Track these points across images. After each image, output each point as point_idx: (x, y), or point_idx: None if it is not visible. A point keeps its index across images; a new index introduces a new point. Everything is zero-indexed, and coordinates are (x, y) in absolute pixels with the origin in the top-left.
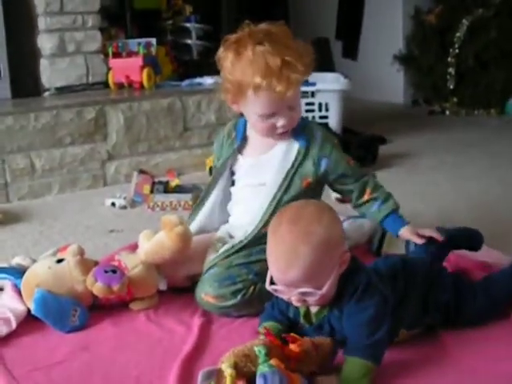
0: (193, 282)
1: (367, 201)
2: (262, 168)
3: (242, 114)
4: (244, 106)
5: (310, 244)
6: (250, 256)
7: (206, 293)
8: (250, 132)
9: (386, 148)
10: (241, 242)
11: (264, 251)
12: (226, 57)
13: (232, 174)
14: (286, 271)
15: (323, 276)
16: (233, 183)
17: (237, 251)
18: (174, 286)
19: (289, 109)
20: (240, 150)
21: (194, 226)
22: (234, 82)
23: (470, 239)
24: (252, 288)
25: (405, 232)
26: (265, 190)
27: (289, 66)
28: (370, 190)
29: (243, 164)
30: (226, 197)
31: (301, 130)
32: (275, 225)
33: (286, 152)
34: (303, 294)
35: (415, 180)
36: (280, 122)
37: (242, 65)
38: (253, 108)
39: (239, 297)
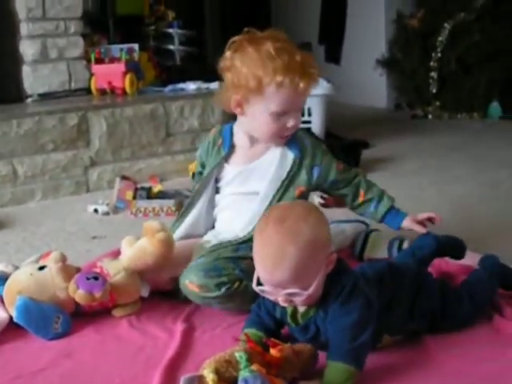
0: (175, 285)
1: (362, 202)
2: (250, 176)
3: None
4: (255, 105)
5: (296, 244)
6: (237, 251)
7: (190, 280)
8: (237, 140)
9: (369, 152)
10: (229, 241)
11: (251, 249)
12: (236, 56)
13: (216, 181)
14: (272, 272)
15: (310, 276)
16: (217, 190)
17: (225, 246)
18: (157, 289)
19: (298, 109)
20: (227, 158)
21: (179, 233)
22: (254, 77)
23: (455, 247)
24: (237, 283)
25: (406, 224)
26: (258, 198)
27: (308, 62)
28: (364, 191)
29: (230, 172)
30: (211, 204)
31: (292, 139)
32: (262, 225)
33: (280, 161)
34: (290, 294)
35: (398, 184)
36: (291, 123)
37: (262, 61)
38: (268, 106)
39: (223, 290)
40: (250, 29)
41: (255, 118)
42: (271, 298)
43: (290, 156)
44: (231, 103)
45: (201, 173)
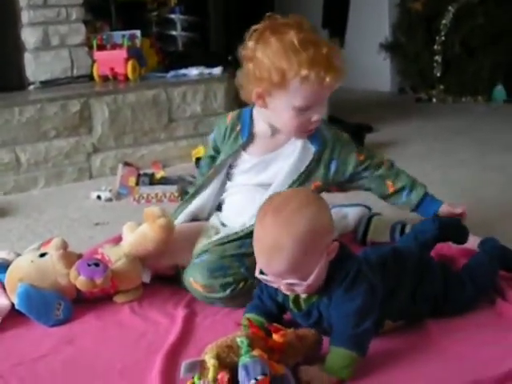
0: (177, 270)
1: (393, 193)
2: (267, 166)
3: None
4: (278, 99)
5: (293, 236)
6: (241, 247)
7: (195, 279)
8: (257, 128)
9: (373, 136)
10: (236, 233)
11: None
12: (259, 47)
13: (230, 167)
14: (269, 263)
15: (308, 267)
16: (229, 177)
17: (230, 241)
18: (158, 274)
19: (323, 104)
20: (244, 146)
21: (183, 216)
22: (277, 71)
23: (457, 232)
24: (242, 283)
25: (442, 211)
26: (271, 189)
27: (334, 54)
28: (392, 181)
29: (247, 161)
30: (221, 189)
31: (317, 133)
32: (261, 215)
33: (301, 153)
34: (290, 284)
35: (402, 168)
36: (315, 117)
37: (285, 53)
38: (291, 100)
39: (228, 291)
40: (271, 14)
41: (278, 112)
42: (274, 285)
43: (312, 149)
44: (252, 95)
45: (212, 157)
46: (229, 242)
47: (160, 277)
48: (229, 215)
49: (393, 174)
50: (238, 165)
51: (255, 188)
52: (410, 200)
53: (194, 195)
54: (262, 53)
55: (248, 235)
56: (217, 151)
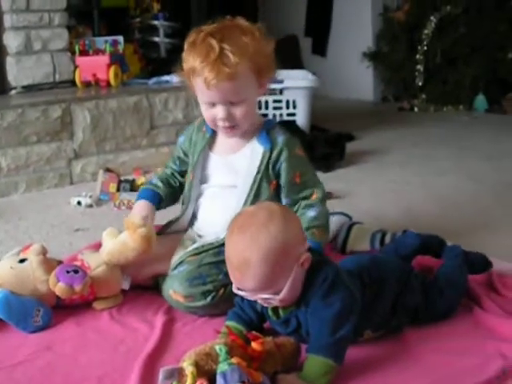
0: (156, 280)
1: None
2: (231, 168)
3: None
4: (196, 92)
5: (259, 254)
6: (219, 254)
7: (175, 291)
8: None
9: (355, 145)
10: (211, 243)
11: None
12: (185, 45)
13: (202, 168)
14: (240, 281)
15: (279, 282)
16: (202, 179)
17: (206, 250)
18: (137, 284)
19: (230, 103)
20: (210, 145)
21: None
22: (185, 67)
23: (436, 246)
24: (222, 290)
25: None
26: (236, 193)
27: (224, 57)
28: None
29: (213, 161)
30: (199, 193)
31: (266, 134)
32: (228, 233)
33: (251, 156)
34: (265, 298)
35: (384, 176)
36: (219, 115)
37: (190, 51)
38: (197, 94)
39: (209, 299)
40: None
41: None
42: (251, 299)
43: (260, 150)
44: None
45: (182, 161)
46: (204, 251)
47: (140, 286)
48: (203, 226)
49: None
50: (208, 166)
51: (222, 191)
52: None
53: (185, 210)
54: (185, 51)
55: (223, 244)
56: (185, 154)
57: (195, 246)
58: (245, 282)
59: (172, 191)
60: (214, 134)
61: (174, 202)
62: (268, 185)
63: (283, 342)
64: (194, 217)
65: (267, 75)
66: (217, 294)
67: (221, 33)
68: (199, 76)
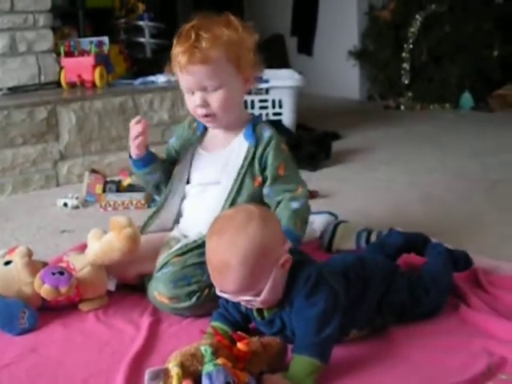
0: (141, 279)
1: None
2: (217, 164)
3: None
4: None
5: (237, 257)
6: (203, 255)
7: (159, 293)
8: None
9: (341, 143)
10: (195, 241)
11: None
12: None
13: (190, 167)
14: (221, 284)
15: (260, 284)
16: (188, 179)
17: (190, 249)
18: (123, 283)
19: (204, 89)
20: (200, 141)
21: (155, 225)
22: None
23: (421, 245)
24: (207, 290)
25: None
26: (218, 189)
27: (198, 42)
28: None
29: (201, 157)
30: (183, 193)
31: (252, 129)
32: (208, 236)
33: (236, 150)
34: (245, 300)
35: (370, 175)
36: (196, 102)
37: (175, 44)
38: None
39: (194, 299)
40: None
41: None
42: (233, 301)
43: (245, 145)
44: None
45: (171, 155)
46: (188, 251)
47: (124, 285)
48: (187, 225)
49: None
50: (195, 163)
51: (207, 188)
52: None
53: (164, 202)
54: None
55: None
56: (176, 152)
57: (179, 245)
58: (225, 285)
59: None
60: (204, 131)
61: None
62: (252, 181)
63: (269, 341)
64: (178, 216)
65: (249, 69)
66: (202, 294)
67: (202, 24)
68: (175, 61)
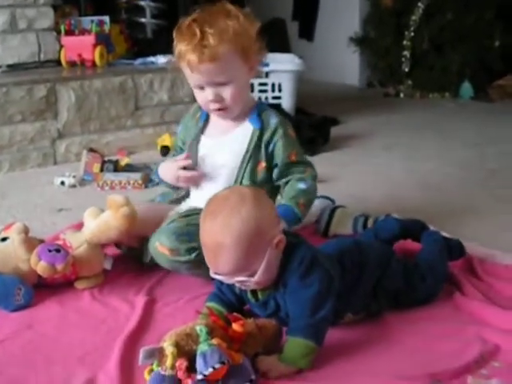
0: (141, 243)
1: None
2: (221, 149)
3: None
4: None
5: (231, 238)
6: None
7: (161, 243)
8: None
9: (340, 129)
10: (201, 209)
11: None
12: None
13: (197, 152)
14: (216, 265)
15: (254, 264)
16: (196, 163)
17: (197, 213)
18: (124, 245)
19: (217, 84)
20: (203, 130)
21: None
22: (175, 55)
23: (417, 231)
24: None
25: None
26: (225, 173)
27: (205, 39)
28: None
29: (205, 144)
30: None
31: (257, 115)
32: (202, 217)
33: (241, 135)
34: (241, 281)
35: (367, 161)
36: (208, 97)
37: (177, 37)
38: (188, 79)
39: (193, 255)
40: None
41: None
42: (228, 283)
43: (250, 129)
44: None
45: (181, 148)
46: (195, 214)
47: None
48: (194, 204)
49: (293, 189)
50: (201, 150)
51: (214, 171)
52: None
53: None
54: (174, 38)
55: None
56: (183, 142)
57: (185, 208)
58: (220, 266)
59: None
60: (207, 120)
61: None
62: (256, 165)
63: (264, 323)
64: (186, 196)
65: (254, 57)
66: (201, 252)
67: (204, 18)
68: (183, 60)
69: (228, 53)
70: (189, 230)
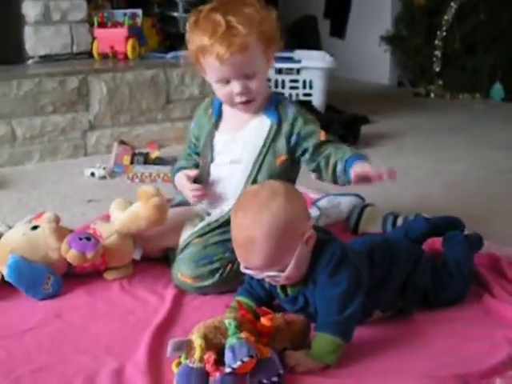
0: (165, 252)
1: (332, 172)
2: (236, 145)
3: None
4: (205, 74)
5: (262, 232)
6: (224, 234)
7: (182, 273)
8: (225, 107)
9: (369, 128)
10: (217, 220)
11: None
12: (188, 28)
13: (212, 150)
14: (247, 259)
15: (284, 259)
16: (212, 159)
17: (212, 229)
18: (147, 256)
19: (245, 77)
20: (216, 126)
21: None
22: (191, 49)
23: (451, 227)
24: (229, 266)
25: (355, 171)
26: (240, 168)
27: (233, 29)
28: (332, 159)
29: (219, 140)
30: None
31: (274, 107)
32: (233, 212)
33: (257, 129)
34: (270, 276)
35: (396, 161)
36: (236, 89)
37: (195, 31)
38: (208, 74)
39: (217, 276)
40: None
41: (212, 86)
42: (258, 277)
43: (267, 123)
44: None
45: (195, 145)
46: (210, 230)
47: (149, 258)
48: (210, 203)
49: (334, 152)
50: (215, 146)
51: (230, 167)
52: (345, 171)
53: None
54: (187, 38)
55: (228, 221)
56: (196, 139)
57: (201, 225)
58: (251, 260)
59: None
60: (219, 116)
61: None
62: (274, 159)
63: (293, 318)
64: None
65: (274, 46)
66: (224, 270)
67: (223, 7)
68: (210, 54)
69: (255, 43)
70: (207, 253)
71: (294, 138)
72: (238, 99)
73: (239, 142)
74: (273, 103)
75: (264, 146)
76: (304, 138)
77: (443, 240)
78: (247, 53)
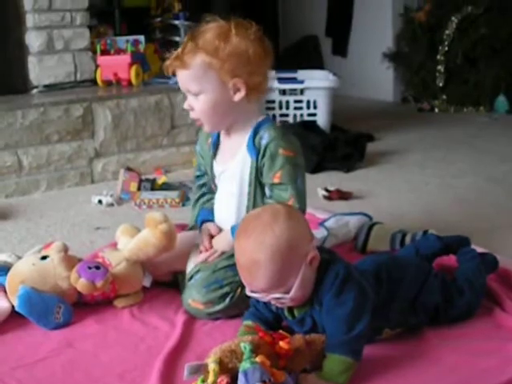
0: (174, 276)
1: None
2: (229, 176)
3: None
4: None
5: (265, 255)
6: (232, 257)
7: (193, 299)
8: (221, 135)
9: (375, 145)
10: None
11: None
12: None
13: (213, 178)
14: (250, 282)
15: (289, 281)
16: (216, 187)
17: (220, 254)
18: (156, 280)
19: (189, 93)
20: (214, 156)
21: None
22: None
23: (462, 246)
24: (239, 290)
25: None
26: (234, 200)
27: (185, 48)
28: None
29: (217, 170)
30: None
31: (253, 140)
32: (236, 237)
33: (244, 163)
34: (275, 298)
35: (402, 177)
36: (184, 105)
37: None
38: None
39: (227, 300)
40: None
41: None
42: (264, 300)
43: (249, 161)
44: None
45: (201, 163)
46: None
47: (158, 282)
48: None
49: None
50: (215, 174)
51: (227, 197)
52: None
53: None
54: None
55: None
56: (203, 158)
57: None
58: (255, 283)
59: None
60: (217, 145)
61: None
62: (263, 189)
63: (313, 338)
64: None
65: (239, 78)
66: (235, 294)
67: (196, 34)
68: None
69: (202, 65)
70: (217, 277)
71: (260, 170)
72: (191, 115)
73: (230, 173)
74: (252, 135)
75: (250, 184)
76: (264, 172)
77: (458, 255)
78: (188, 70)
